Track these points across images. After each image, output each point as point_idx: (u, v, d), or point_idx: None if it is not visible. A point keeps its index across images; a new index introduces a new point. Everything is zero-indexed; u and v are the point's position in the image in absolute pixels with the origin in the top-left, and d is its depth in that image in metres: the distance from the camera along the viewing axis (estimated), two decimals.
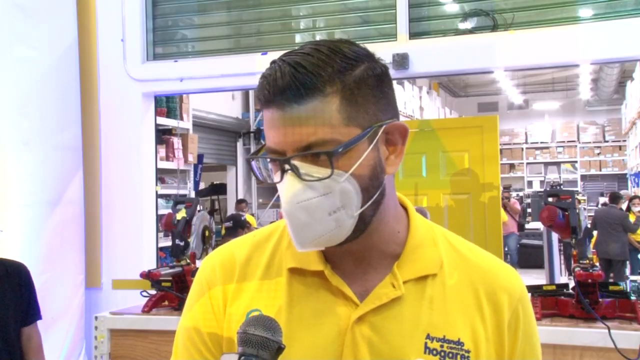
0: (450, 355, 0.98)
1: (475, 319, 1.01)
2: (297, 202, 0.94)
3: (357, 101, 0.95)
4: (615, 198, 9.41)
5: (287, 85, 0.93)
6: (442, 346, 0.98)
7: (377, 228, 1.01)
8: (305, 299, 1.02)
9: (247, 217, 9.29)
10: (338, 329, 0.99)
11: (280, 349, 0.90)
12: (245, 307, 1.04)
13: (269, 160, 0.98)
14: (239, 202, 9.65)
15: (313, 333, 1.00)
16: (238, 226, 7.17)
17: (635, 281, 3.05)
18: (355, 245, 1.01)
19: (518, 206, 12.02)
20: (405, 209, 1.09)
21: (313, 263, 1.03)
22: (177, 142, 7.78)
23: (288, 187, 0.94)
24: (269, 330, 0.90)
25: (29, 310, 3.07)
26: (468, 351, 0.99)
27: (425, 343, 0.98)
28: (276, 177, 0.97)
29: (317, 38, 4.65)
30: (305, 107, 0.93)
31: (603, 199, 11.33)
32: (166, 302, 3.62)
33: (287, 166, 0.94)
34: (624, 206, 9.33)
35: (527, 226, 13.34)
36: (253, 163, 1.01)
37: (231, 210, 10.14)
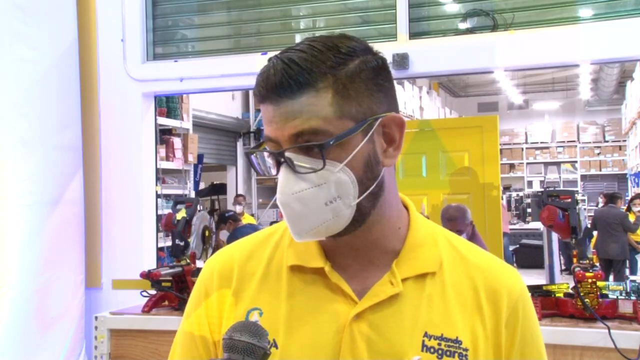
0: (448, 353, 0.98)
1: (475, 318, 1.01)
2: (292, 193, 0.96)
3: (349, 95, 0.96)
4: (613, 198, 9.41)
5: (279, 82, 0.95)
6: (439, 344, 0.99)
7: (377, 222, 1.02)
8: (304, 296, 1.03)
9: (246, 217, 9.31)
10: (337, 326, 1.00)
11: (266, 354, 0.90)
12: (245, 307, 1.05)
13: (267, 155, 1.00)
14: (236, 196, 9.69)
15: (312, 330, 1.00)
16: (221, 221, 7.45)
17: (635, 281, 3.05)
18: (356, 239, 1.02)
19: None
20: (407, 208, 1.10)
21: (313, 260, 1.04)
22: (177, 142, 7.78)
23: (283, 178, 0.97)
24: (255, 336, 0.90)
25: None
26: (466, 349, 0.99)
27: (423, 341, 0.99)
28: (274, 171, 1.00)
29: None
30: (297, 101, 0.95)
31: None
32: (166, 302, 3.62)
33: (281, 158, 0.97)
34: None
35: (527, 226, 13.36)
36: (252, 157, 1.03)
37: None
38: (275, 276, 1.06)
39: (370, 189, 0.99)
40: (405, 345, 0.98)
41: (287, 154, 0.96)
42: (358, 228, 1.00)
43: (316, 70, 0.95)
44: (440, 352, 0.98)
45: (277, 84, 0.95)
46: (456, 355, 0.98)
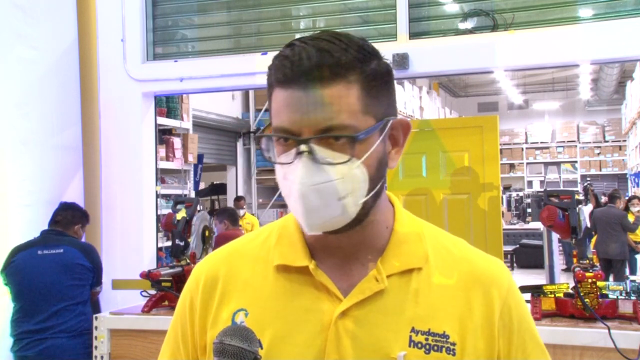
0: (435, 347, 0.98)
1: (462, 312, 1.01)
2: (312, 184, 0.94)
3: (373, 92, 0.97)
4: (612, 198, 9.42)
5: (313, 67, 0.93)
6: (427, 339, 0.98)
7: (372, 221, 1.02)
8: (290, 295, 1.03)
9: (248, 216, 9.31)
10: (321, 324, 0.99)
11: (256, 359, 0.90)
12: (231, 309, 1.05)
13: (275, 139, 0.97)
14: (237, 199, 9.67)
15: (297, 330, 1.00)
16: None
17: (635, 281, 3.05)
18: (344, 238, 1.01)
19: None
20: (392, 205, 1.10)
21: (298, 259, 1.04)
22: (177, 142, 7.78)
23: (303, 168, 0.93)
24: (245, 341, 0.90)
25: None
26: (454, 344, 0.99)
27: (410, 336, 0.98)
28: (287, 158, 0.96)
29: None
30: (329, 90, 0.93)
31: (603, 199, 11.30)
32: (166, 302, 3.62)
33: (303, 147, 0.93)
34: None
35: (527, 226, 13.36)
36: (264, 141, 1.00)
37: None
38: (261, 276, 1.06)
39: (376, 188, 0.99)
40: (391, 340, 0.98)
41: (311, 143, 0.94)
42: (356, 226, 0.99)
43: (348, 63, 0.94)
44: (427, 347, 0.98)
45: (310, 69, 0.93)
46: (444, 349, 0.98)
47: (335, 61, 0.93)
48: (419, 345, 0.98)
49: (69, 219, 4.00)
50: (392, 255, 1.03)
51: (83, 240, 4.19)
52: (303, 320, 1.00)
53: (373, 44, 1.02)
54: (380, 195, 1.02)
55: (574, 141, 17.96)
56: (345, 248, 1.03)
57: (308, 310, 1.01)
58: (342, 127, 0.93)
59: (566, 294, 3.06)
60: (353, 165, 0.95)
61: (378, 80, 0.97)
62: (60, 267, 3.75)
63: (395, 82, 1.05)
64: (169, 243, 4.02)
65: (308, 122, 0.93)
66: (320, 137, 0.93)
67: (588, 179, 17.07)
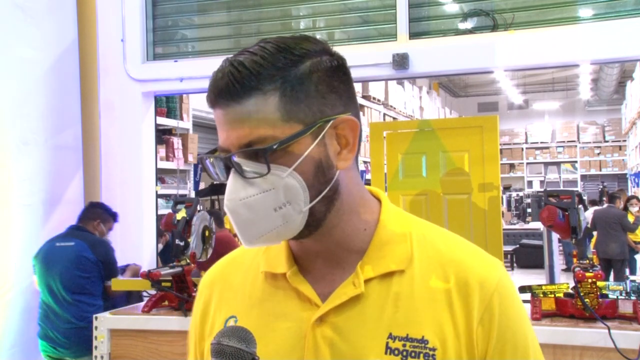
0: (413, 354, 0.95)
1: (444, 315, 0.97)
2: (239, 199, 0.95)
3: (298, 97, 0.94)
4: (612, 198, 9.43)
5: (225, 86, 0.95)
6: (404, 345, 0.95)
7: (336, 225, 1.00)
8: (273, 302, 1.02)
9: None
10: (300, 331, 0.98)
11: None
12: (224, 316, 1.06)
13: (220, 159, 0.98)
14: None
15: (278, 337, 0.99)
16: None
17: (635, 281, 3.05)
18: (318, 243, 1.00)
19: None
20: (380, 203, 1.06)
21: (280, 265, 1.03)
22: (177, 142, 7.78)
23: (232, 183, 0.95)
24: (243, 342, 0.90)
25: None
26: (434, 349, 0.95)
27: (387, 343, 0.95)
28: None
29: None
30: (243, 105, 0.94)
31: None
32: (166, 302, 3.62)
33: (230, 164, 0.95)
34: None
35: (527, 226, 13.37)
36: (208, 163, 1.00)
37: None
38: (251, 283, 1.06)
39: (323, 193, 0.96)
40: (367, 347, 0.96)
41: (234, 159, 0.94)
42: (314, 232, 0.98)
43: (264, 73, 0.93)
44: (405, 353, 0.95)
45: (223, 89, 0.95)
46: (421, 355, 0.95)
47: (250, 75, 0.93)
48: (396, 352, 0.95)
49: (88, 215, 4.25)
50: (373, 257, 1.00)
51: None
52: (283, 327, 0.99)
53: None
54: (338, 199, 0.99)
55: (574, 141, 17.98)
56: (323, 253, 1.02)
57: (289, 317, 1.00)
58: (261, 140, 0.93)
59: (566, 294, 3.06)
60: (283, 174, 0.93)
61: (307, 82, 0.95)
62: (69, 259, 4.01)
63: (349, 77, 1.01)
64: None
65: (232, 139, 0.95)
66: (238, 152, 0.94)
67: (603, 180, 17.10)
